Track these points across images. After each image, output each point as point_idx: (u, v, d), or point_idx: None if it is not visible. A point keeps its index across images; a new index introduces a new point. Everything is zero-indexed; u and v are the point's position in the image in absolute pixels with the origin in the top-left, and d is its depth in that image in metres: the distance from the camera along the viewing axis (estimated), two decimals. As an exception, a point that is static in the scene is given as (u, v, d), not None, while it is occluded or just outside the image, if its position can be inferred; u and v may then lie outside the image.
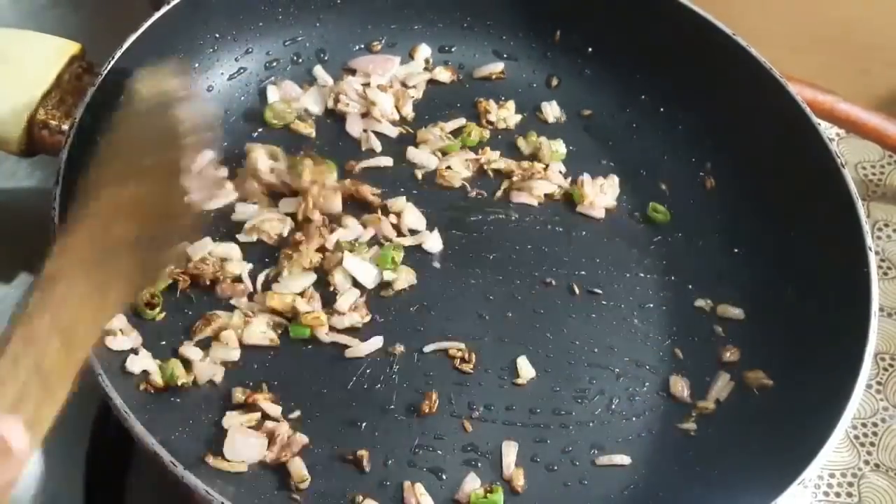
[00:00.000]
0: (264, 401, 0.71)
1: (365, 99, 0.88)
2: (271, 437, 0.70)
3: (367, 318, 0.77)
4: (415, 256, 0.81)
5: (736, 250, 0.86)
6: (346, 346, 0.75)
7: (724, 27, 0.86)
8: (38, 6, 1.00)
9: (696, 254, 0.86)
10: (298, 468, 0.69)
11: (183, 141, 0.59)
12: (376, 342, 0.76)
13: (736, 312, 0.82)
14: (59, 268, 0.53)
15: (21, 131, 0.77)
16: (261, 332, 0.74)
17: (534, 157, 0.89)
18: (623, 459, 0.74)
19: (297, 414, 0.72)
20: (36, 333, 0.51)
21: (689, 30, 0.87)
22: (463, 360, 0.76)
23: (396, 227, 0.82)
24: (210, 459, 0.68)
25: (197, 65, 0.85)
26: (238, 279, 0.77)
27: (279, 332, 0.75)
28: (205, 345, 0.74)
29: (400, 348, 0.76)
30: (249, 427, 0.70)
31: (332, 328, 0.76)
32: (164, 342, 0.73)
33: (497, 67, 0.94)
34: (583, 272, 0.83)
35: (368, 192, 0.82)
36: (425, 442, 0.73)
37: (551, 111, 0.92)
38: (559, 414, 0.76)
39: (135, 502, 0.77)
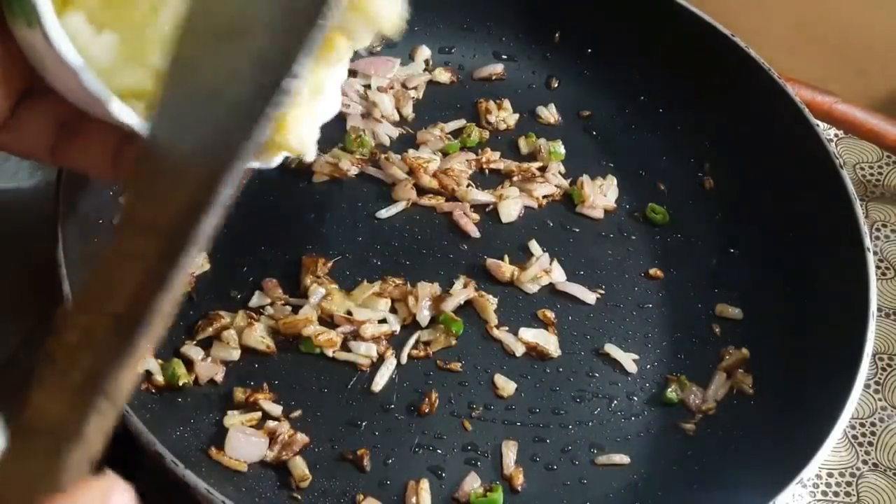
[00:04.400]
0: (265, 400, 0.72)
1: (366, 100, 0.89)
2: (272, 437, 0.70)
3: (389, 353, 0.76)
4: (415, 256, 0.82)
5: (734, 251, 0.86)
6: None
7: (723, 28, 0.86)
8: (40, 7, 1.00)
9: (695, 254, 0.86)
10: (299, 467, 0.69)
11: None
12: (370, 349, 0.75)
13: (734, 312, 0.82)
14: None
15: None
16: (260, 337, 0.74)
17: (533, 157, 0.89)
18: (622, 459, 0.74)
19: (297, 413, 0.72)
20: None
21: (687, 31, 0.87)
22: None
23: None
24: (213, 452, 0.69)
25: (198, 66, 0.85)
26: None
27: (278, 339, 0.75)
28: (206, 344, 0.74)
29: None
30: (250, 426, 0.71)
31: (343, 348, 0.75)
32: (165, 342, 0.74)
33: (497, 68, 0.94)
34: (582, 272, 0.83)
35: None
36: (425, 441, 0.73)
37: (550, 113, 0.92)
38: (558, 413, 0.76)
39: (135, 502, 0.77)
